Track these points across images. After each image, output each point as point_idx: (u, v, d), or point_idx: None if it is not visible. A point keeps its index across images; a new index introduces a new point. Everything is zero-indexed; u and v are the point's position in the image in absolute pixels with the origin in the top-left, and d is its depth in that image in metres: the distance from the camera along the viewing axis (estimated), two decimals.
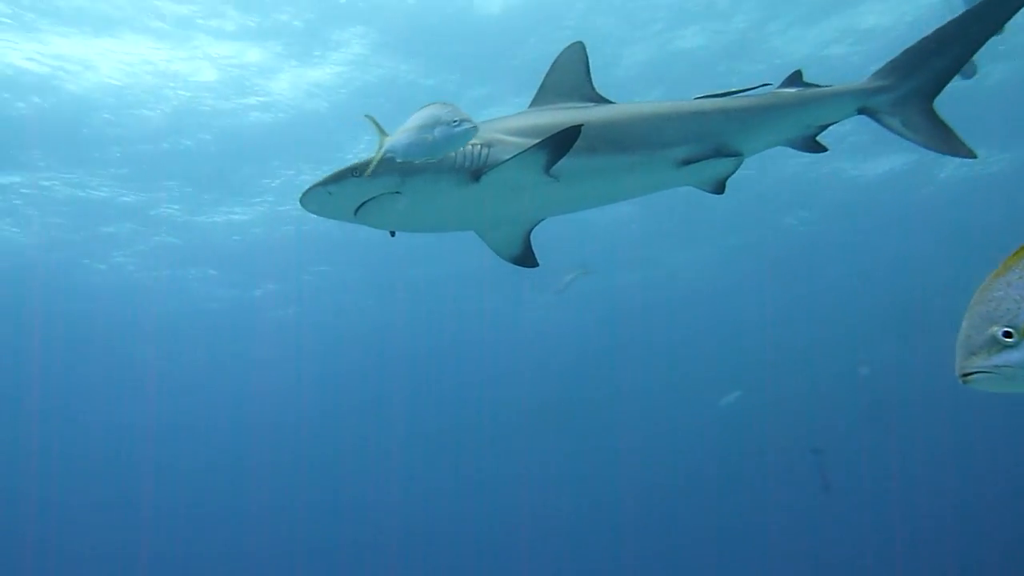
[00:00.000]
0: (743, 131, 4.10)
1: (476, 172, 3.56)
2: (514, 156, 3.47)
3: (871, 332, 23.24)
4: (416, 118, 3.29)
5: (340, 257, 18.66)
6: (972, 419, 24.46)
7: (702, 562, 30.27)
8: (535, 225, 4.16)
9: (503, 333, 23.63)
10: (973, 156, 4.01)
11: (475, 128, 3.24)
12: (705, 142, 4.01)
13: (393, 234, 3.88)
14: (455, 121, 3.21)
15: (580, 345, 24.06)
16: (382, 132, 3.36)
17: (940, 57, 4.01)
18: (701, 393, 25.20)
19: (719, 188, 4.17)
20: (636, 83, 12.07)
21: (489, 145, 3.60)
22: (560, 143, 3.43)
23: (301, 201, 3.59)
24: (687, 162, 3.98)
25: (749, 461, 29.29)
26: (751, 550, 28.99)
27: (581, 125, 3.45)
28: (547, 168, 3.54)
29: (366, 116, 3.38)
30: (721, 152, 4.02)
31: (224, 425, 27.94)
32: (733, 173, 4.17)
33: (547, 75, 4.24)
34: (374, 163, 3.39)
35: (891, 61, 4.17)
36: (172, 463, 27.93)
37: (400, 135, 3.30)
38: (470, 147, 3.57)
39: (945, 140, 4.07)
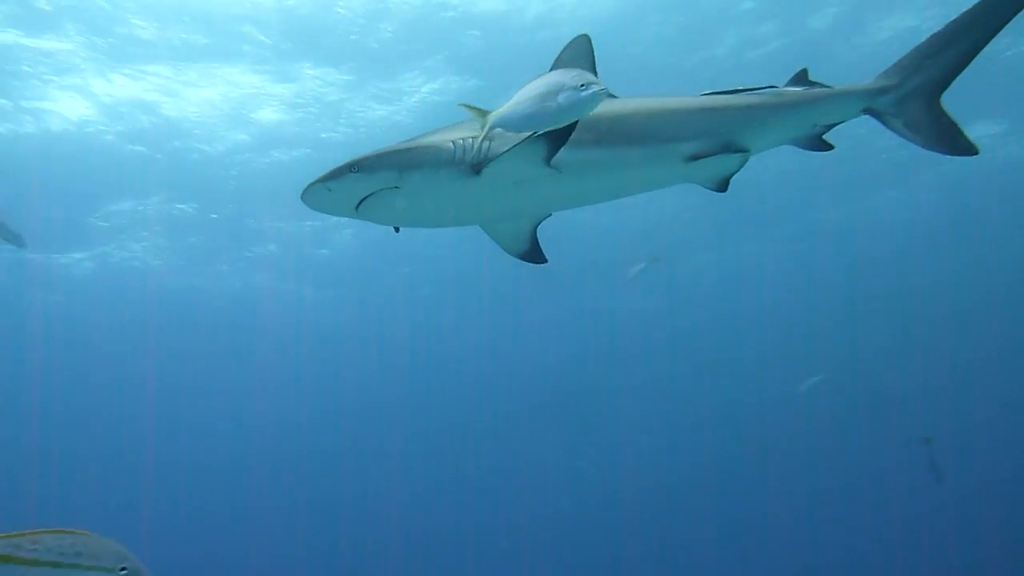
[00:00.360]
0: (751, 128, 4.08)
1: (477, 166, 3.50)
2: (512, 147, 3.41)
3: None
4: (534, 86, 3.15)
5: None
6: None
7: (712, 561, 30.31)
8: (541, 220, 4.12)
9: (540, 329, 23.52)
10: (975, 152, 4.01)
11: (605, 92, 3.09)
12: (713, 138, 3.98)
13: (397, 230, 3.83)
14: (582, 85, 3.05)
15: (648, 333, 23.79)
16: (481, 112, 3.31)
17: (943, 56, 4.01)
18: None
19: (723, 186, 4.16)
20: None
21: (490, 138, 3.52)
22: (557, 135, 3.35)
23: (302, 197, 3.56)
24: (695, 157, 3.95)
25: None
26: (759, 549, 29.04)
27: (569, 129, 3.36)
28: (547, 160, 3.48)
29: (461, 104, 3.34)
30: (728, 148, 3.99)
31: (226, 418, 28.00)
32: (738, 171, 4.15)
33: (552, 68, 4.11)
34: (480, 137, 3.34)
35: (896, 62, 4.18)
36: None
37: (514, 106, 3.17)
38: (469, 140, 3.52)
39: (945, 137, 4.07)
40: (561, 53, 4.16)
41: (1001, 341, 24.08)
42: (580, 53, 4.12)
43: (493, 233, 4.11)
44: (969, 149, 4.03)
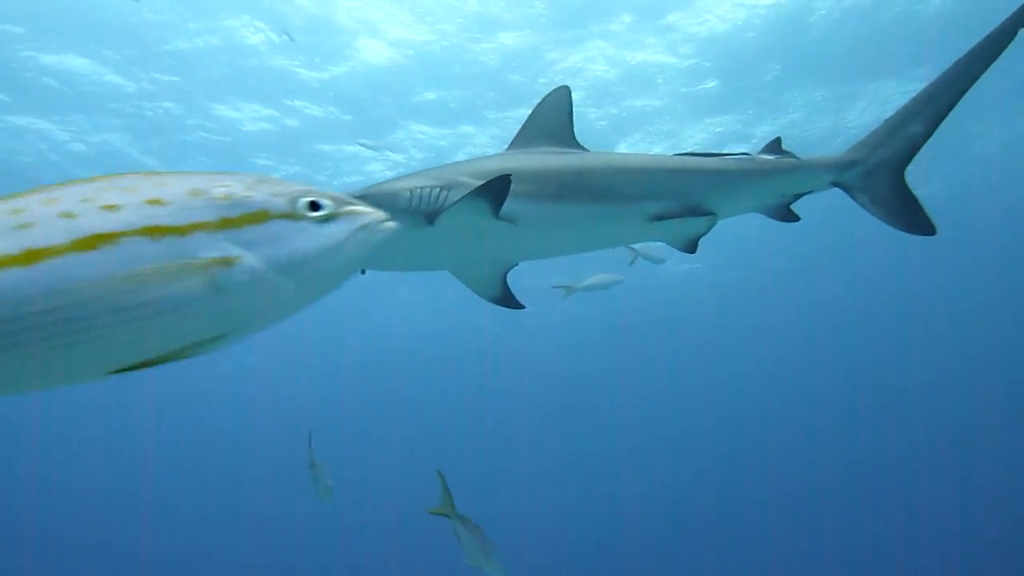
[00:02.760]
0: (719, 193, 4.07)
1: (431, 215, 3.49)
2: (455, 202, 3.40)
3: None
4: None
5: None
6: None
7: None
8: (509, 268, 4.08)
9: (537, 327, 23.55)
10: (933, 232, 4.02)
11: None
12: (680, 200, 3.95)
13: (363, 271, 3.87)
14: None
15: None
16: None
17: (906, 129, 4.09)
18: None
19: (691, 247, 4.14)
20: None
21: (448, 188, 3.53)
22: (493, 190, 3.33)
23: None
24: (659, 218, 3.91)
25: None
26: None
27: (509, 176, 3.33)
28: (494, 213, 3.43)
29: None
30: (695, 211, 3.97)
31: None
32: (706, 233, 4.12)
33: (530, 118, 4.17)
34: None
35: (865, 137, 4.25)
36: None
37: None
38: (428, 189, 3.52)
39: (907, 214, 4.09)
40: (539, 105, 4.16)
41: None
42: (559, 105, 4.12)
43: (462, 278, 4.09)
44: (928, 228, 4.04)
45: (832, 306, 22.61)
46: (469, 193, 3.34)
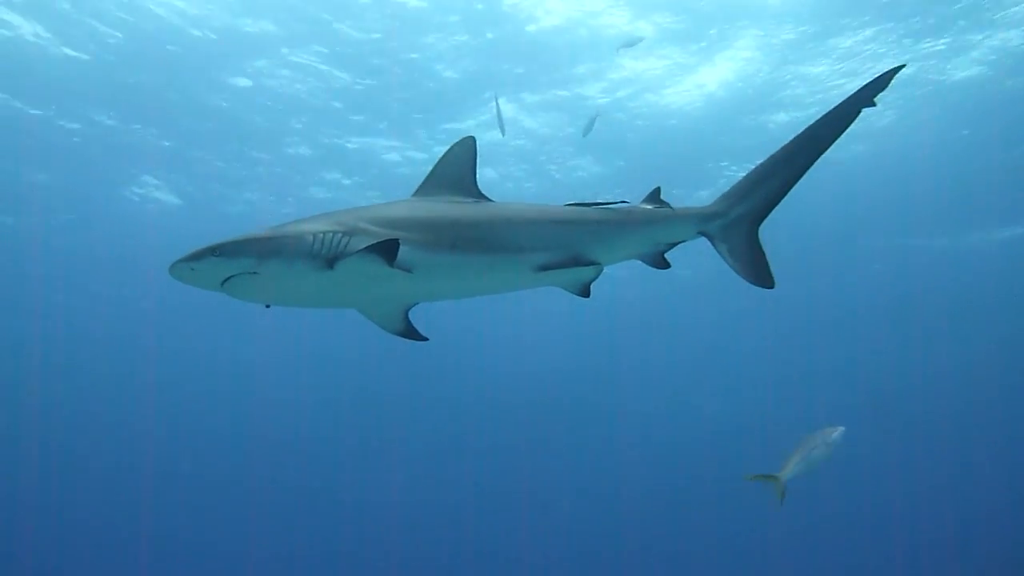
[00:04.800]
0: (598, 243, 4.22)
1: (331, 259, 3.66)
2: (352, 254, 3.61)
3: None
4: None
5: None
6: None
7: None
8: (409, 307, 4.23)
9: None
10: (772, 286, 4.29)
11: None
12: (562, 251, 4.12)
13: (268, 306, 3.99)
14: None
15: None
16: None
17: (764, 186, 4.28)
18: None
19: (584, 292, 4.29)
20: None
21: (350, 234, 3.70)
22: (385, 250, 3.57)
23: (169, 271, 3.75)
24: (544, 268, 4.08)
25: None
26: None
27: (398, 240, 3.59)
28: (389, 263, 3.62)
29: None
30: (578, 261, 4.13)
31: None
32: (595, 279, 4.26)
33: (435, 166, 4.35)
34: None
35: (728, 189, 4.41)
36: None
37: None
38: (330, 235, 3.68)
39: (754, 268, 4.32)
40: (445, 154, 4.36)
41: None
42: (464, 156, 4.32)
43: (366, 314, 4.24)
44: (768, 283, 4.29)
45: (832, 306, 22.55)
46: (364, 249, 3.57)
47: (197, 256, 3.66)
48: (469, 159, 4.33)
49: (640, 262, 4.50)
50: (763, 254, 4.33)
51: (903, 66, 4.06)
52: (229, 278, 3.68)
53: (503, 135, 12.66)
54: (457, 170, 4.32)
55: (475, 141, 4.37)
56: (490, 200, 4.32)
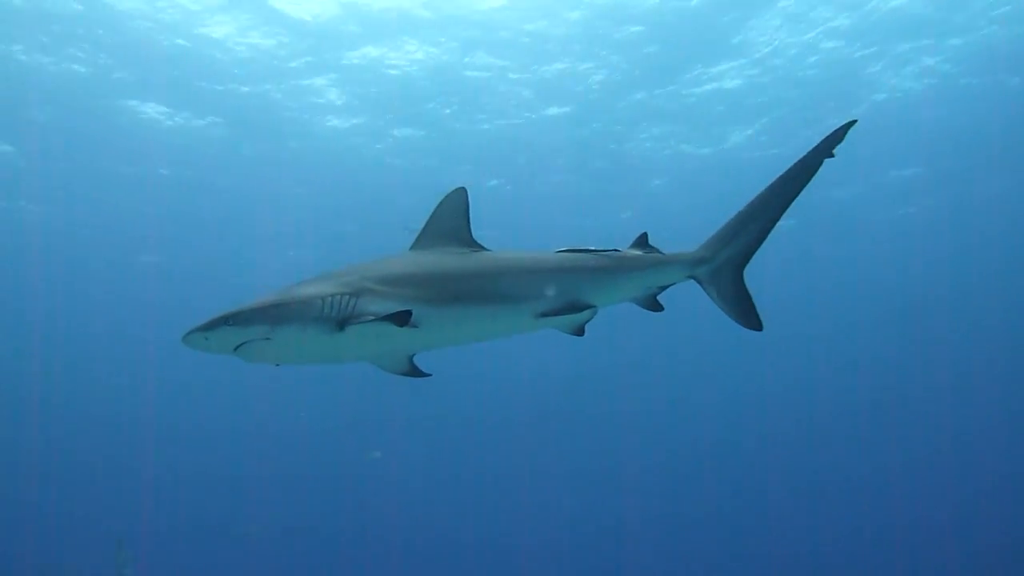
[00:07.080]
0: (593, 288, 4.40)
1: (341, 322, 3.79)
2: (365, 322, 3.76)
3: None
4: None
5: None
6: None
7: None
8: (414, 355, 4.37)
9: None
10: (759, 329, 4.48)
11: None
12: (560, 298, 4.28)
13: (278, 364, 4.11)
14: None
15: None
16: None
17: (745, 231, 4.48)
18: None
19: (579, 332, 4.49)
20: None
21: (356, 295, 3.84)
22: (397, 319, 3.74)
23: (182, 340, 3.83)
24: (545, 315, 4.25)
25: None
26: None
27: (410, 311, 3.75)
28: (399, 327, 3.78)
29: None
30: (574, 307, 4.30)
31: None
32: (590, 320, 4.46)
33: (429, 219, 4.47)
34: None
35: (713, 234, 4.58)
36: None
37: None
38: (338, 297, 3.81)
39: (741, 309, 4.52)
40: (438, 207, 4.46)
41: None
42: (457, 207, 4.45)
43: (372, 363, 4.36)
44: (758, 325, 4.49)
45: (829, 304, 22.56)
46: (376, 320, 3.75)
47: (211, 325, 3.75)
48: (462, 210, 4.45)
49: (634, 304, 4.66)
50: (749, 297, 4.53)
51: (855, 121, 4.22)
52: (242, 344, 3.77)
53: None
54: (452, 221, 4.46)
55: (467, 192, 4.49)
56: (486, 249, 4.45)
